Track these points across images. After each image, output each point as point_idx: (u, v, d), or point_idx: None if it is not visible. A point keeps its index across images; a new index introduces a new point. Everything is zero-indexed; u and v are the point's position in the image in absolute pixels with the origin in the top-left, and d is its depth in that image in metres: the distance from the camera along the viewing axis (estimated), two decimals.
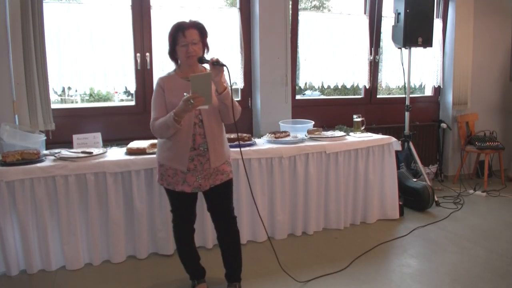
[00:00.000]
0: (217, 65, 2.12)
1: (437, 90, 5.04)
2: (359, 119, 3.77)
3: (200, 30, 2.21)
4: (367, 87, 4.57)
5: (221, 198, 2.34)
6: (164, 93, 2.22)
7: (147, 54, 3.62)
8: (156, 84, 2.26)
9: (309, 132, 3.55)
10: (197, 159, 2.20)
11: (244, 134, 3.32)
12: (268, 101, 3.96)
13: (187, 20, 2.21)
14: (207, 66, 2.31)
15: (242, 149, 3.03)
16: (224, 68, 2.11)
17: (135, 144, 3.02)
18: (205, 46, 2.27)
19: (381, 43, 4.61)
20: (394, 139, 3.62)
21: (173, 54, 2.27)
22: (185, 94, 2.06)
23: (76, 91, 3.59)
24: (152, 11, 3.61)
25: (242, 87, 4.01)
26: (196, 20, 2.23)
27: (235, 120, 2.22)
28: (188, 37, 2.16)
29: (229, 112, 2.20)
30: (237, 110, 2.24)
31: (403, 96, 4.43)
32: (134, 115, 3.68)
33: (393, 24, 4.15)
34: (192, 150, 2.19)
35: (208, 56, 2.24)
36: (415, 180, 4.01)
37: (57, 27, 3.32)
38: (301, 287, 2.54)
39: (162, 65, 3.67)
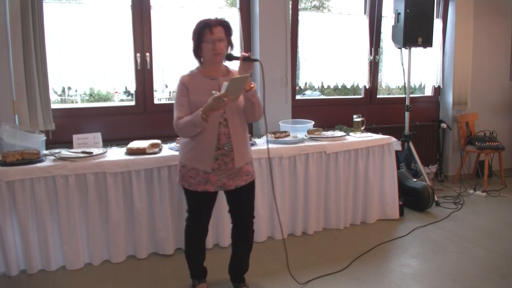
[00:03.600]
0: (248, 60, 2.09)
1: (437, 90, 5.04)
2: (359, 119, 3.77)
3: (226, 28, 2.19)
4: (367, 87, 4.57)
5: (244, 199, 2.33)
6: (188, 91, 2.18)
7: (147, 54, 3.62)
8: (179, 83, 2.22)
9: (309, 132, 3.54)
10: (221, 159, 2.18)
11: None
12: (268, 101, 3.94)
13: (212, 18, 2.18)
14: (228, 63, 2.28)
15: None
16: (256, 63, 2.11)
17: (135, 144, 3.02)
18: (229, 44, 2.23)
19: (381, 43, 4.61)
20: (394, 139, 3.62)
21: (197, 52, 2.22)
22: (213, 92, 2.02)
23: (76, 91, 3.59)
24: (152, 11, 3.61)
25: None
26: (222, 18, 2.21)
27: (264, 117, 2.25)
28: (215, 34, 2.13)
29: (255, 110, 2.20)
30: (261, 108, 2.24)
31: (403, 96, 4.43)
32: (134, 115, 3.68)
33: (393, 24, 4.15)
34: (217, 149, 2.16)
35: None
36: (415, 180, 4.01)
37: (57, 27, 3.32)
38: (301, 287, 2.54)
39: (162, 65, 3.67)
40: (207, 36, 2.13)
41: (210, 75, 2.22)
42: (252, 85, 2.14)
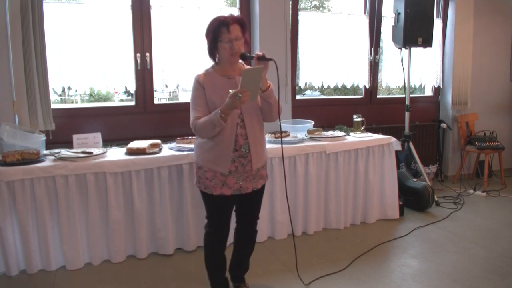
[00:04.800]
0: (263, 59, 2.02)
1: (437, 90, 5.04)
2: (359, 119, 3.77)
3: (242, 25, 2.10)
4: (367, 87, 4.57)
5: (255, 202, 2.31)
6: (204, 90, 2.10)
7: (147, 54, 3.62)
8: (195, 82, 2.14)
9: (309, 132, 3.54)
10: (239, 161, 2.12)
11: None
12: None
13: (227, 15, 2.09)
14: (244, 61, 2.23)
15: None
16: (270, 62, 2.03)
17: (135, 144, 3.02)
18: (246, 41, 2.14)
19: (381, 43, 4.61)
20: (394, 139, 3.62)
21: (213, 51, 2.14)
22: (230, 90, 1.96)
23: (76, 91, 3.59)
24: (152, 11, 3.61)
25: None
26: (238, 15, 2.14)
27: (278, 118, 2.19)
28: (232, 33, 2.04)
29: (272, 110, 2.14)
30: (279, 108, 2.18)
31: (403, 96, 4.43)
32: (134, 115, 3.68)
33: (393, 24, 4.15)
34: (234, 151, 2.10)
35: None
36: (415, 180, 4.01)
37: (57, 27, 3.32)
38: (301, 287, 2.53)
39: (162, 65, 3.67)
40: (224, 35, 2.05)
41: (227, 74, 2.15)
42: (268, 85, 2.10)
